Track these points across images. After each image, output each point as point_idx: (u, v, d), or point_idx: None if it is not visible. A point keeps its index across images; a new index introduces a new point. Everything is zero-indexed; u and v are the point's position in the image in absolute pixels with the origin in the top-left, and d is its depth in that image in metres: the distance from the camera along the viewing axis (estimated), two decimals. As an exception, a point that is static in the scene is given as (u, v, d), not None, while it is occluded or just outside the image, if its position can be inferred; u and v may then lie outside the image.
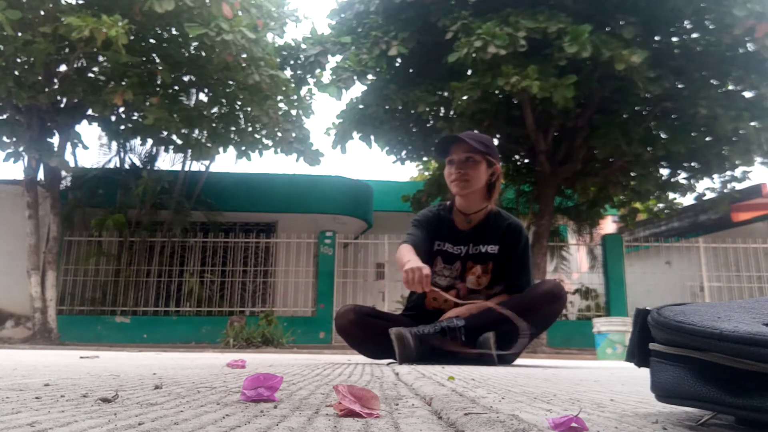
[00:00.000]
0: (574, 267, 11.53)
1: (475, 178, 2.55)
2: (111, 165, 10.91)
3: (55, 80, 8.08)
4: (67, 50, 7.67)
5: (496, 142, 9.42)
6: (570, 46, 6.56)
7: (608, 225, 13.60)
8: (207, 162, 10.55)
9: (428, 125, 9.35)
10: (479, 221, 2.62)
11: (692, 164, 8.96)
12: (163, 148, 10.40)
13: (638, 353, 0.77)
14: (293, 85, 8.93)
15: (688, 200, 10.76)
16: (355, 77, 7.95)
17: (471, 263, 2.58)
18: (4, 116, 8.39)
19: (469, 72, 7.72)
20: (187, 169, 10.72)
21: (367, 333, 2.56)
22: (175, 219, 10.14)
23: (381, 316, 2.68)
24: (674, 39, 8.13)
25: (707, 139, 8.01)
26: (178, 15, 7.29)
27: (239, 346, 7.29)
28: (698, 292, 10.54)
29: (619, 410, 0.81)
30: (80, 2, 7.82)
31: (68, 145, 8.91)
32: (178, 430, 0.59)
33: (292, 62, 9.15)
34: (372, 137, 9.37)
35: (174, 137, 9.12)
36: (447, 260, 2.61)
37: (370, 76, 8.49)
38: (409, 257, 2.34)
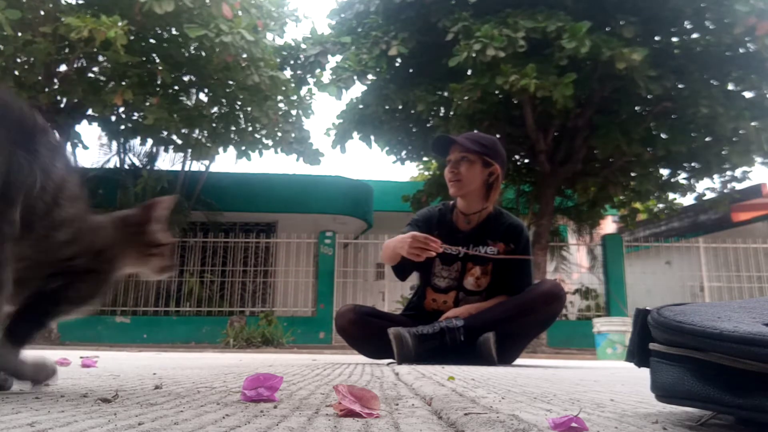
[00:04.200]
0: (574, 267, 11.53)
1: (468, 179, 2.52)
2: (111, 165, 10.91)
3: (55, 80, 8.08)
4: (67, 50, 7.67)
5: (495, 142, 9.41)
6: (568, 42, 6.56)
7: (608, 225, 13.60)
8: (207, 162, 10.56)
9: (428, 125, 9.35)
10: (480, 222, 2.61)
11: (692, 164, 8.95)
12: (163, 148, 10.40)
13: (638, 353, 0.77)
14: (293, 86, 8.93)
15: (688, 200, 10.77)
16: (355, 77, 7.95)
17: (471, 264, 2.57)
18: (4, 116, 8.38)
19: (469, 72, 7.73)
20: (187, 169, 10.72)
21: (367, 333, 2.56)
22: (175, 219, 10.13)
23: (381, 316, 2.67)
24: (674, 39, 8.13)
25: (707, 139, 8.00)
26: (178, 15, 7.29)
27: (239, 346, 7.29)
28: (698, 292, 10.54)
29: (619, 410, 0.81)
30: (80, 2, 7.82)
31: (68, 145, 8.91)
32: (178, 430, 0.59)
33: (292, 62, 9.15)
34: (372, 137, 9.37)
35: (174, 137, 9.12)
36: (445, 261, 2.59)
37: (370, 76, 8.49)
38: (398, 238, 2.39)
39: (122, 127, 9.36)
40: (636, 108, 8.31)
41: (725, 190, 9.61)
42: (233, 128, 9.18)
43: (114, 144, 10.74)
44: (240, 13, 7.79)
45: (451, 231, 2.61)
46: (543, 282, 2.60)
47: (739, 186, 9.60)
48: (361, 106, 8.97)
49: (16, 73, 7.55)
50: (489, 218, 2.61)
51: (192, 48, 8.38)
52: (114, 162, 10.92)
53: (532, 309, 2.42)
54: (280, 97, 8.86)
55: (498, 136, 9.16)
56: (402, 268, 2.59)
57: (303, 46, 8.92)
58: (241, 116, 9.18)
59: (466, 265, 2.57)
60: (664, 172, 9.32)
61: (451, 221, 2.64)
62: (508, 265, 2.54)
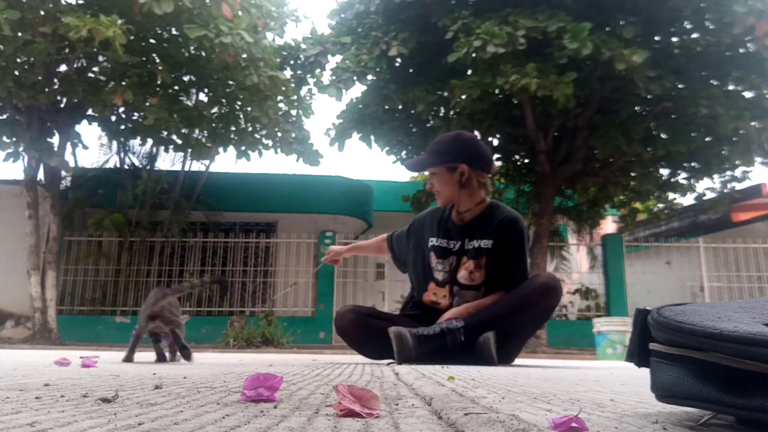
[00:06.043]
0: (574, 267, 11.53)
1: (442, 190, 2.62)
2: (111, 165, 10.91)
3: (55, 80, 8.07)
4: (67, 50, 7.67)
5: (495, 142, 9.42)
6: (570, 42, 6.56)
7: (608, 225, 13.59)
8: (207, 162, 10.55)
9: (428, 125, 9.35)
10: (475, 216, 2.63)
11: (692, 164, 8.95)
12: (163, 148, 10.40)
13: (638, 353, 0.77)
14: (293, 86, 8.92)
15: (688, 200, 10.77)
16: (354, 77, 7.95)
17: (465, 258, 2.57)
18: (4, 116, 8.38)
19: (469, 72, 7.73)
20: (187, 169, 10.72)
21: (367, 333, 2.56)
22: (175, 219, 10.13)
23: (381, 316, 2.68)
24: (674, 39, 8.13)
25: (707, 139, 8.00)
26: (177, 15, 7.29)
27: (239, 346, 7.29)
28: (698, 292, 10.54)
29: (619, 410, 0.81)
30: (80, 2, 7.82)
31: (68, 145, 8.91)
32: (178, 430, 0.59)
33: (292, 62, 9.15)
34: (372, 137, 9.37)
35: (174, 137, 9.11)
36: (440, 255, 2.62)
37: (369, 77, 8.48)
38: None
39: (122, 127, 9.35)
40: (636, 108, 8.31)
41: (725, 190, 9.60)
42: (233, 128, 9.17)
43: (114, 144, 10.74)
44: (240, 13, 7.78)
45: (446, 226, 2.67)
46: (538, 275, 2.61)
47: (739, 186, 9.60)
48: (360, 106, 8.97)
49: (16, 73, 7.55)
50: (484, 212, 2.63)
51: (192, 48, 8.37)
52: (114, 162, 10.94)
53: (529, 303, 2.42)
54: (280, 97, 8.85)
55: (498, 135, 9.17)
56: (396, 262, 2.98)
57: (303, 46, 8.91)
58: (241, 116, 9.18)
59: (461, 259, 2.58)
60: (664, 172, 9.32)
61: (448, 217, 2.70)
62: (502, 259, 2.54)
